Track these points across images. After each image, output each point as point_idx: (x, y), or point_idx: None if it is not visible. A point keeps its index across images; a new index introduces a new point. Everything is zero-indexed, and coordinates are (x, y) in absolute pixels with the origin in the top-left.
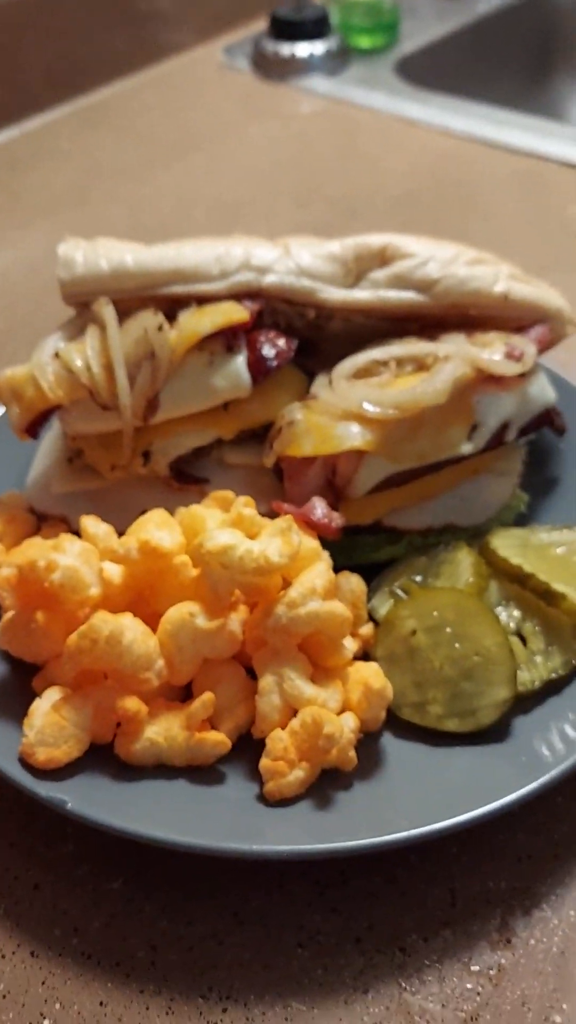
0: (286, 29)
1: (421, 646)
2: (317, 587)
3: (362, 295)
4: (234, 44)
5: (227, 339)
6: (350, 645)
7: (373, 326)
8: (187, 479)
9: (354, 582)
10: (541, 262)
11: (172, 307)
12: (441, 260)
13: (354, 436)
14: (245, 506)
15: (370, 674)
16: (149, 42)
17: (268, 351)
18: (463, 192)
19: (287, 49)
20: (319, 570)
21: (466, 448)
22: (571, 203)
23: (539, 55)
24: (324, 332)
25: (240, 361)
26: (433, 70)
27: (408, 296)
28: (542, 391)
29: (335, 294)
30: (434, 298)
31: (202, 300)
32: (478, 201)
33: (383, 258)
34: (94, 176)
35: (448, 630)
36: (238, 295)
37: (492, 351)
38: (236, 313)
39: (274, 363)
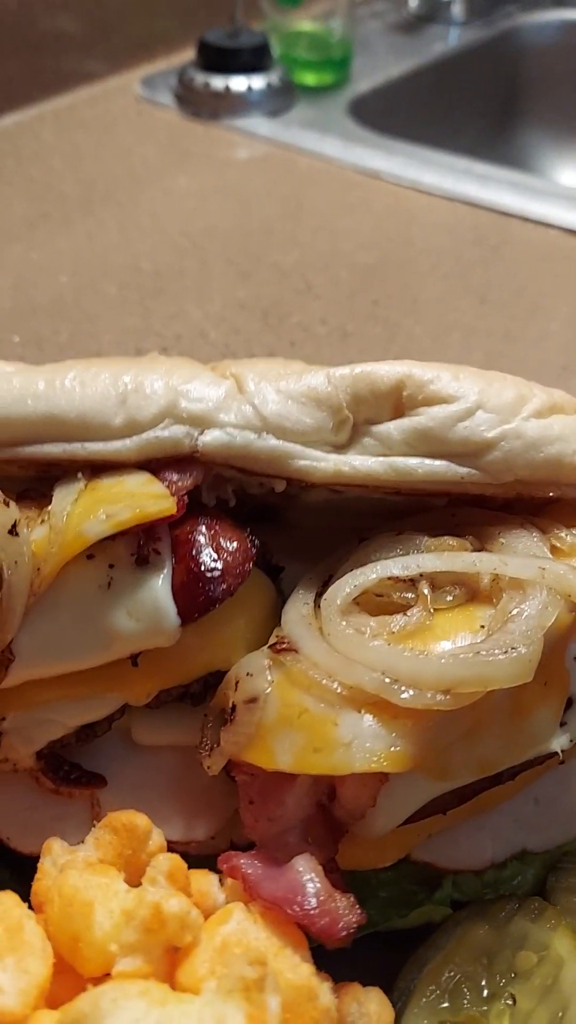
0: (218, 59)
1: None
2: None
3: (365, 464)
4: (155, 75)
5: (138, 542)
6: None
7: (375, 499)
8: (68, 777)
9: (373, 1008)
10: (564, 362)
11: (40, 482)
12: (496, 408)
13: (372, 746)
14: (168, 879)
15: None
16: (51, 70)
17: (211, 561)
18: (449, 264)
19: (219, 82)
20: None
21: (559, 742)
22: None
23: (503, 98)
24: (296, 501)
25: (160, 584)
26: (390, 112)
27: (442, 469)
28: None
29: (321, 464)
30: (487, 472)
31: (96, 468)
32: (469, 276)
33: (398, 401)
34: None
35: None
36: (157, 462)
37: None
38: (154, 500)
39: (221, 587)
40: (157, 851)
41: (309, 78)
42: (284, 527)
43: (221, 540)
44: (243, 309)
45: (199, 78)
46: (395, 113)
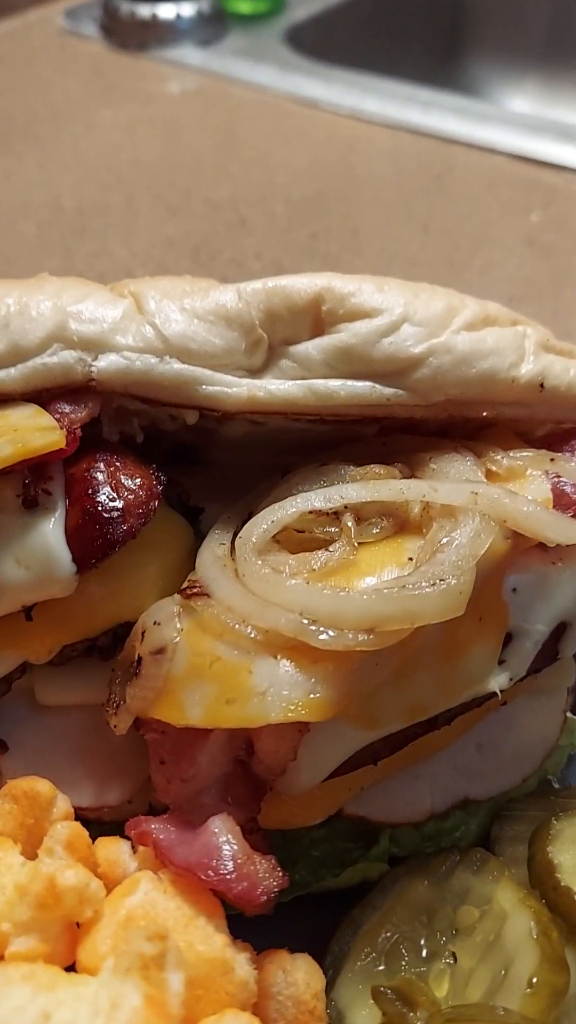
0: None
1: None
2: None
3: (282, 389)
4: (79, 5)
5: (25, 482)
6: None
7: (300, 429)
8: None
9: (300, 976)
10: (511, 292)
11: None
12: (423, 321)
13: (290, 693)
14: (67, 849)
15: None
16: None
17: (109, 500)
18: (390, 194)
19: (146, 10)
20: None
21: (497, 681)
22: (535, 207)
23: (447, 24)
24: (215, 437)
25: (51, 528)
26: (328, 41)
27: (366, 391)
28: None
29: (233, 389)
30: (414, 391)
31: None
32: (412, 206)
33: (317, 318)
34: None
35: None
36: (47, 393)
37: (526, 488)
38: (40, 434)
39: (121, 528)
40: (63, 819)
41: (243, 5)
42: (205, 466)
43: (122, 477)
44: (172, 246)
45: (125, 7)
46: (334, 41)
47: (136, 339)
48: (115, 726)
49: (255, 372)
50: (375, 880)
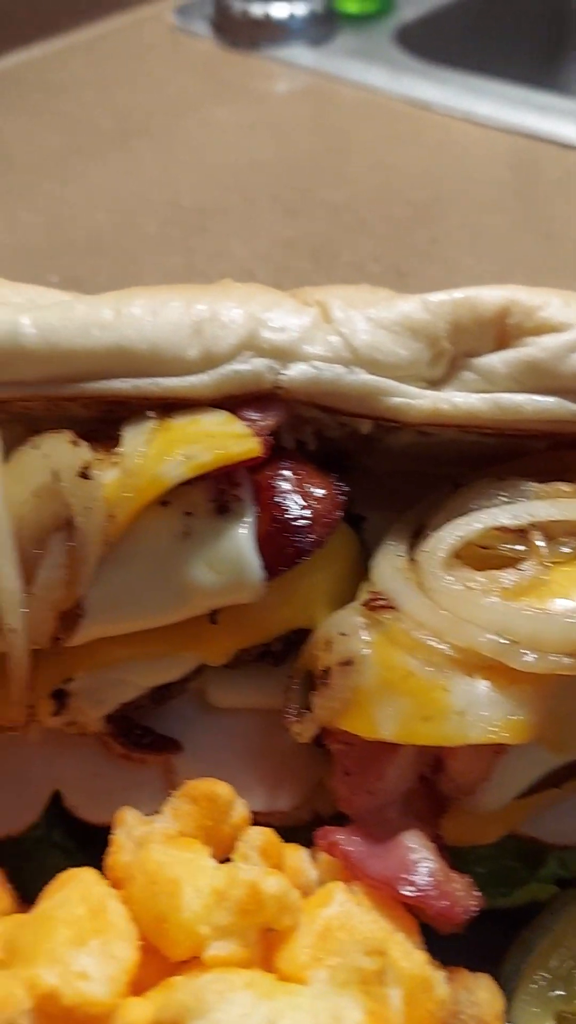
0: None
1: None
2: None
3: (468, 402)
4: (190, 2)
5: (217, 488)
6: None
7: (467, 442)
8: (140, 742)
9: (483, 996)
10: None
11: (102, 423)
12: None
13: (489, 714)
14: (262, 855)
15: None
16: None
17: (298, 508)
18: (509, 199)
19: (258, 9)
20: None
21: None
22: None
23: (558, 23)
24: (376, 446)
25: (243, 534)
26: (438, 41)
27: (553, 407)
28: None
29: (418, 401)
30: None
31: (169, 406)
32: (532, 211)
33: (501, 331)
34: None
35: None
36: (234, 400)
37: None
38: (236, 441)
39: (310, 537)
40: (241, 823)
41: (352, 5)
42: (359, 474)
43: (307, 486)
44: (291, 247)
45: (237, 5)
46: (443, 41)
47: (325, 348)
48: (299, 734)
49: (435, 384)
50: (542, 902)
